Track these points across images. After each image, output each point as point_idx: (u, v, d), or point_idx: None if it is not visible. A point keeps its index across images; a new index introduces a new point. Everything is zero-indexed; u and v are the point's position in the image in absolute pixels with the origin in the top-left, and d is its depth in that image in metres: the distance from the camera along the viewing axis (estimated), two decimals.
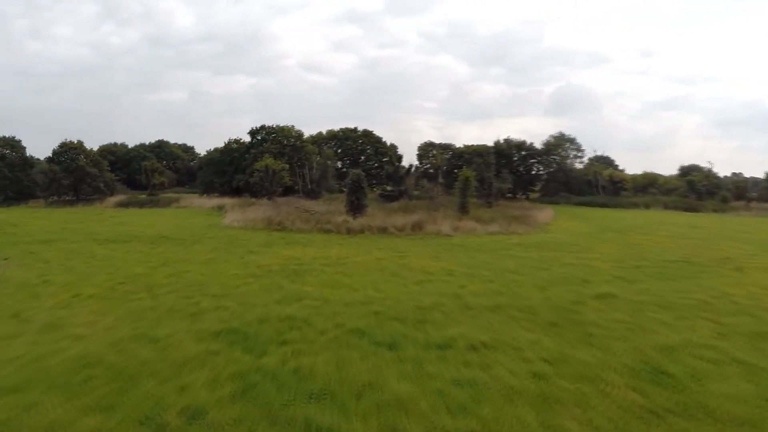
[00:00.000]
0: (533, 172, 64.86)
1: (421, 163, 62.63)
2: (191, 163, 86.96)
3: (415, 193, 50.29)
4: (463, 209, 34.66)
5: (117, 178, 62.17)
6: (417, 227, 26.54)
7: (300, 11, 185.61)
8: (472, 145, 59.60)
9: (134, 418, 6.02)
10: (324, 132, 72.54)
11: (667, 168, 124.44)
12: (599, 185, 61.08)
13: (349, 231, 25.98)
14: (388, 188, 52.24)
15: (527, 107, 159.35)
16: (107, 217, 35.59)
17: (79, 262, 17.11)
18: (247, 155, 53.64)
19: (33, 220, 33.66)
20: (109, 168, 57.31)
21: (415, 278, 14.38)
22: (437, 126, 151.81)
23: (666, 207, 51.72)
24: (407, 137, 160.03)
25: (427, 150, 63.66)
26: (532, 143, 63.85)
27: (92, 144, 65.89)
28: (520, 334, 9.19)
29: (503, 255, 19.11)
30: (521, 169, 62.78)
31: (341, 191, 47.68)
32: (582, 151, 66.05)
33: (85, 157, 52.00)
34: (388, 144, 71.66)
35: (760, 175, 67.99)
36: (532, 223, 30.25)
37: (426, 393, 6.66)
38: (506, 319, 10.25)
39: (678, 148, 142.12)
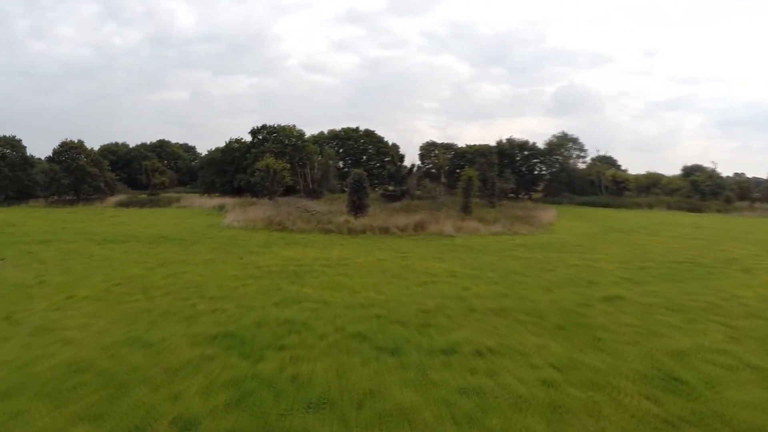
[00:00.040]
0: (536, 172, 64.41)
1: (423, 163, 62.18)
2: (192, 163, 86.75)
3: (417, 193, 49.97)
4: (466, 209, 34.36)
5: (118, 177, 61.96)
6: (419, 227, 26.24)
7: (302, 11, 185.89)
8: (475, 145, 59.29)
9: (124, 427, 5.74)
10: (325, 132, 72.35)
11: (669, 168, 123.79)
12: (602, 185, 60.71)
13: (351, 231, 25.69)
14: (390, 188, 51.88)
15: (529, 107, 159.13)
16: (107, 217, 35.31)
17: (76, 262, 16.84)
18: (248, 155, 53.36)
19: (32, 219, 33.39)
20: (109, 168, 57.03)
21: (417, 280, 14.08)
22: (439, 126, 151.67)
23: (669, 207, 51.31)
24: (409, 137, 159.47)
25: (429, 150, 63.22)
26: (534, 143, 63.53)
27: (93, 144, 65.77)
28: (527, 339, 8.88)
29: (507, 256, 18.80)
30: (524, 169, 62.37)
31: (343, 191, 47.40)
32: (585, 151, 65.87)
33: (85, 157, 51.71)
34: (390, 144, 71.48)
35: (762, 176, 67.77)
36: (535, 224, 29.94)
37: (430, 402, 6.35)
38: (512, 322, 9.94)
39: (680, 149, 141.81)
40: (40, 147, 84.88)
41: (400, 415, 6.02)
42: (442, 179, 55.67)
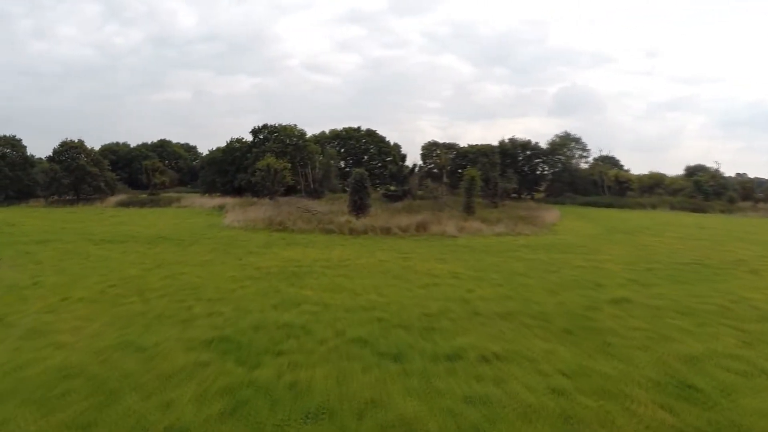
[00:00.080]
0: (538, 172, 64.10)
1: (425, 163, 61.98)
2: (193, 163, 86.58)
3: (419, 193, 49.66)
4: (469, 209, 34.06)
5: (118, 177, 61.76)
6: (421, 228, 25.92)
7: (303, 11, 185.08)
8: (477, 145, 59.04)
9: None
10: (327, 131, 72.12)
11: (671, 168, 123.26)
12: (605, 185, 60.37)
13: (352, 231, 25.40)
14: (392, 188, 51.57)
15: (531, 107, 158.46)
16: (106, 217, 35.07)
17: (73, 263, 16.58)
18: (249, 154, 53.11)
19: (31, 219, 33.16)
20: (110, 167, 56.83)
21: (420, 282, 13.77)
22: (441, 126, 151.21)
23: (673, 207, 51.00)
24: (411, 137, 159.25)
25: (431, 149, 63.04)
26: (537, 143, 63.20)
27: (95, 144, 65.51)
28: (534, 344, 8.56)
29: (511, 257, 18.50)
30: (526, 168, 62.04)
31: (344, 191, 47.14)
32: (587, 150, 65.43)
33: (85, 157, 51.50)
34: (392, 143, 71.21)
35: (765, 176, 67.39)
36: (538, 224, 29.61)
37: (435, 412, 6.04)
38: (518, 326, 9.62)
39: (682, 149, 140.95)
40: (41, 147, 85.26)
41: (403, 426, 5.71)
42: (445, 179, 55.41)
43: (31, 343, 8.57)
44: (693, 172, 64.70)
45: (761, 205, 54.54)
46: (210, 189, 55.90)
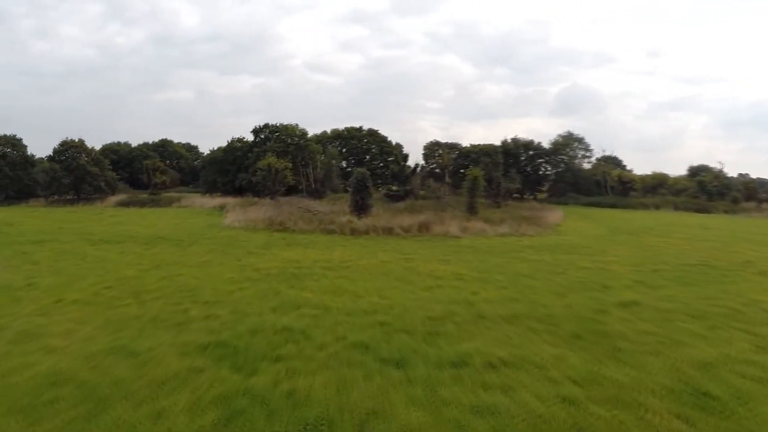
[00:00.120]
0: (540, 172, 63.78)
1: (427, 163, 61.68)
2: (195, 163, 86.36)
3: (421, 193, 49.41)
4: (472, 210, 33.75)
5: (119, 177, 61.54)
6: (424, 228, 25.59)
7: (305, 11, 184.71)
8: (479, 145, 58.72)
9: None
10: (328, 131, 71.83)
11: (673, 168, 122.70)
12: (608, 185, 60.03)
13: (353, 232, 25.08)
14: (394, 188, 51.31)
15: (532, 107, 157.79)
16: (106, 217, 34.81)
17: (69, 263, 16.29)
18: (250, 154, 52.89)
19: (30, 219, 32.92)
20: (110, 167, 56.65)
21: (423, 284, 13.43)
22: (442, 126, 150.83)
23: (676, 208, 50.78)
24: (412, 137, 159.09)
25: (433, 149, 62.72)
26: (540, 143, 62.93)
27: (96, 144, 65.19)
28: (543, 349, 8.23)
29: (515, 258, 18.17)
30: (528, 168, 61.74)
31: (346, 191, 46.84)
32: (590, 150, 65.02)
33: (86, 156, 51.35)
34: (394, 143, 70.89)
35: (767, 176, 67.00)
36: (542, 225, 29.27)
37: (440, 423, 5.71)
38: (525, 330, 9.29)
39: (683, 149, 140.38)
40: (42, 147, 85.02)
41: None
42: (447, 179, 55.09)
43: (21, 347, 8.27)
44: (696, 172, 64.51)
45: (765, 205, 54.25)
46: (211, 189, 55.68)
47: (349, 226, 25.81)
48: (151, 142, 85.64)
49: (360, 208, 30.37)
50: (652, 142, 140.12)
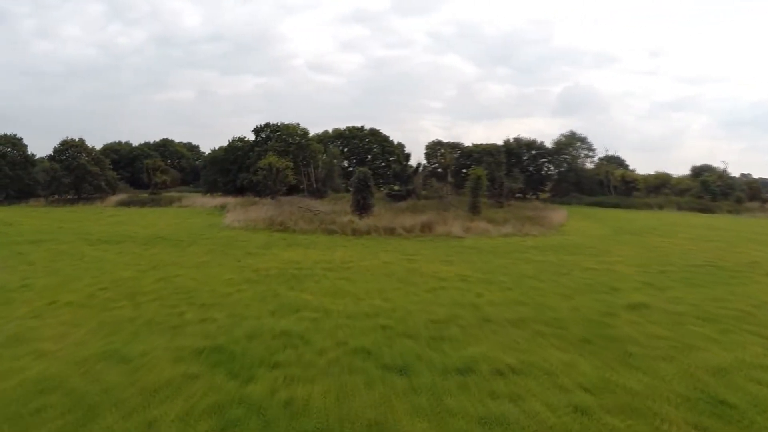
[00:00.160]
0: (543, 172, 63.47)
1: (429, 162, 61.39)
2: (196, 163, 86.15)
3: (424, 192, 49.11)
4: (475, 209, 33.41)
5: (120, 177, 61.37)
6: (426, 228, 25.27)
7: (307, 11, 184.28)
8: (482, 144, 58.38)
9: None
10: (330, 130, 71.53)
11: (674, 168, 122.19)
12: (611, 185, 59.68)
13: (355, 232, 24.76)
14: (396, 188, 51.01)
15: (534, 107, 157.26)
16: (105, 217, 34.59)
17: (66, 264, 16.02)
18: (251, 153, 52.65)
19: (29, 219, 32.70)
20: (111, 166, 56.45)
21: (426, 285, 13.11)
22: (444, 126, 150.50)
23: (680, 208, 50.46)
24: (414, 137, 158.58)
25: (435, 149, 62.46)
26: (542, 142, 62.58)
27: (97, 143, 64.91)
28: (551, 354, 7.91)
29: (519, 258, 17.86)
30: (531, 168, 61.42)
31: (347, 191, 46.55)
32: (593, 150, 64.75)
33: (86, 156, 51.16)
34: (396, 143, 70.57)
35: None
36: (546, 225, 28.94)
37: None
38: (532, 335, 8.97)
39: (685, 149, 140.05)
40: (43, 147, 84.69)
41: None
42: (449, 178, 54.78)
43: (10, 352, 7.99)
44: (699, 172, 64.12)
45: None
46: (212, 188, 55.50)
47: (350, 226, 25.49)
48: (152, 141, 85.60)
49: (362, 207, 30.04)
50: (654, 142, 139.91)
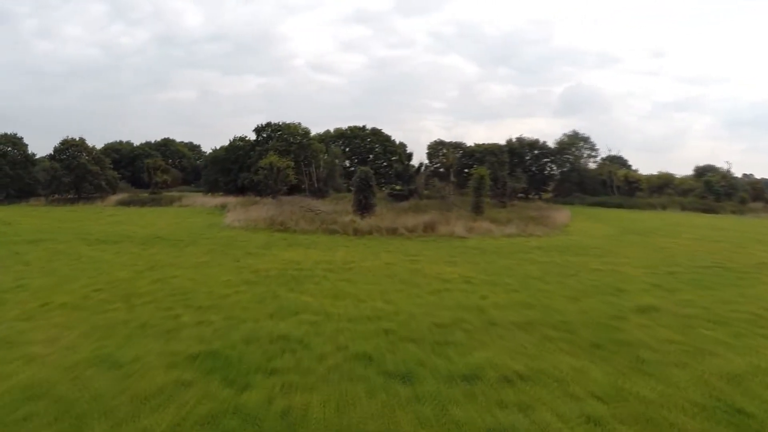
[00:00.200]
0: (546, 172, 63.24)
1: (431, 162, 61.09)
2: (197, 162, 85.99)
3: (426, 192, 48.84)
4: (478, 209, 33.11)
5: (121, 176, 61.25)
6: (429, 228, 24.99)
7: (309, 11, 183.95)
8: (484, 144, 58.14)
9: None
10: (331, 130, 71.27)
11: (676, 168, 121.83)
12: (614, 185, 59.39)
13: (356, 232, 24.49)
14: (398, 187, 50.75)
15: (536, 108, 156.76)
16: (105, 216, 34.39)
17: (62, 264, 15.76)
18: (252, 153, 52.45)
19: (29, 218, 32.51)
20: (111, 166, 56.29)
21: (429, 287, 12.79)
22: (446, 126, 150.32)
23: (684, 208, 50.28)
24: (416, 137, 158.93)
25: (437, 148, 62.13)
26: (545, 142, 62.44)
27: (98, 143, 64.74)
28: (561, 360, 7.58)
29: (524, 259, 17.55)
30: (534, 168, 61.23)
31: (349, 191, 46.31)
32: (596, 150, 64.60)
33: (87, 155, 51.02)
34: (398, 142, 70.32)
35: None
36: (549, 225, 28.65)
37: None
38: (540, 339, 8.64)
39: (686, 149, 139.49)
40: (44, 146, 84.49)
41: None
42: (452, 178, 54.51)
43: None
44: (702, 172, 63.84)
45: None
46: (213, 188, 55.35)
47: (352, 226, 25.23)
48: (153, 141, 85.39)
49: (363, 207, 29.74)
50: (656, 142, 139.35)
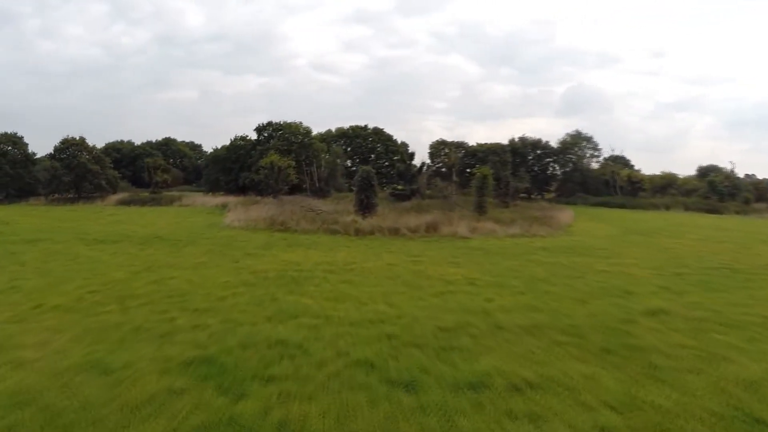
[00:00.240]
0: (548, 172, 62.96)
1: (433, 162, 60.78)
2: (198, 162, 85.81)
3: (428, 192, 48.55)
4: (481, 209, 32.81)
5: (121, 175, 61.07)
6: (431, 228, 24.67)
7: (309, 11, 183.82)
8: (486, 144, 57.89)
9: None
10: (333, 130, 71.04)
11: (677, 168, 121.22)
12: (617, 185, 59.07)
13: (358, 232, 24.19)
14: (400, 187, 50.44)
15: (538, 108, 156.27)
16: (104, 216, 34.14)
17: (58, 264, 15.47)
18: (253, 152, 52.22)
19: (28, 218, 32.29)
20: (112, 165, 56.12)
21: (433, 289, 12.47)
22: (447, 126, 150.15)
23: (687, 208, 50.07)
24: (417, 137, 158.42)
25: (439, 148, 61.81)
26: (548, 142, 62.23)
27: (99, 142, 64.53)
28: (571, 367, 7.25)
29: (529, 260, 17.22)
30: (536, 168, 60.98)
31: (350, 190, 46.04)
32: (599, 150, 64.38)
33: (87, 154, 50.81)
34: (399, 142, 70.06)
35: None
36: (553, 225, 28.32)
37: None
38: (549, 344, 8.31)
39: (688, 149, 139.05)
40: (45, 145, 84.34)
41: None
42: (454, 178, 54.22)
43: None
44: (706, 172, 63.63)
45: None
46: (213, 188, 55.18)
47: (353, 226, 24.93)
48: (154, 140, 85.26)
49: (365, 207, 29.45)
50: (658, 142, 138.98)
